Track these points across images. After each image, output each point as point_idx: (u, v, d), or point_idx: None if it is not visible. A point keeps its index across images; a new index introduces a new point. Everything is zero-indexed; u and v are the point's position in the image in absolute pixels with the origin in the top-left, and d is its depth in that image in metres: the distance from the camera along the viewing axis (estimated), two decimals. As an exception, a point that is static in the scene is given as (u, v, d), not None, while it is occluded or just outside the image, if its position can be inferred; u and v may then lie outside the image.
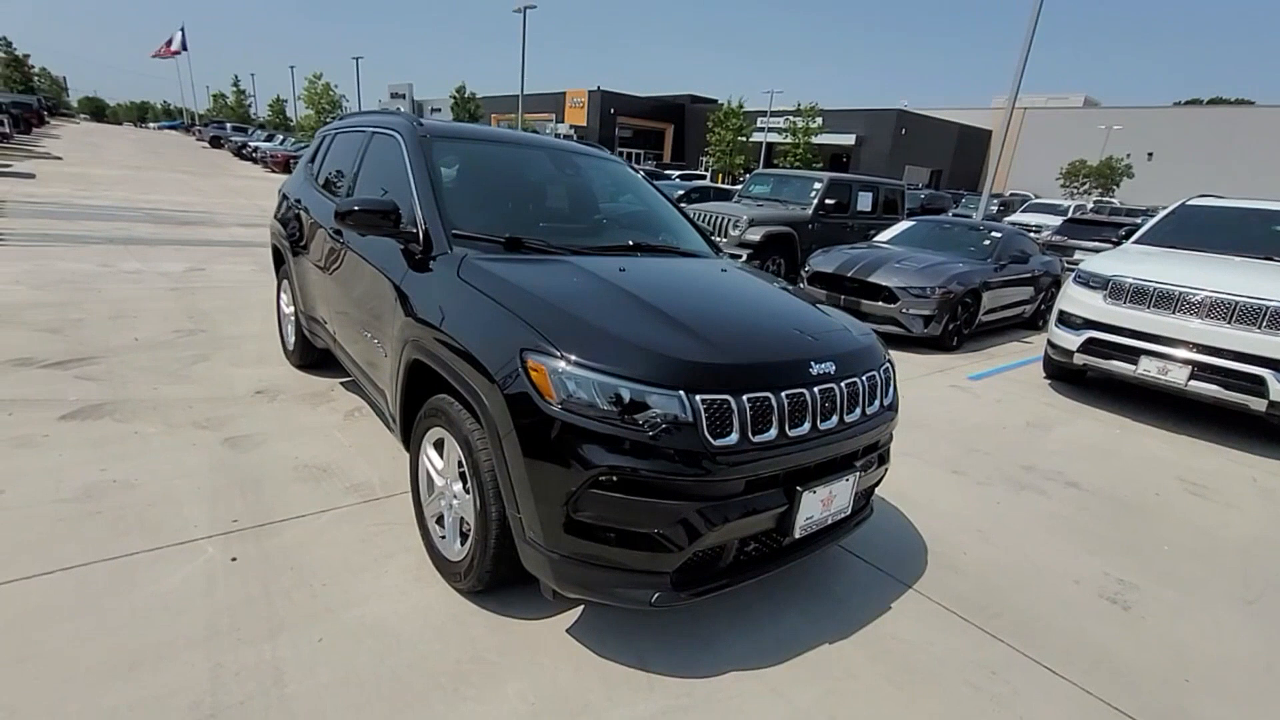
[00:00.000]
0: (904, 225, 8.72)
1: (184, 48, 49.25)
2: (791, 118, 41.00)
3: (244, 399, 3.92)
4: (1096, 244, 11.79)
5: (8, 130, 24.85)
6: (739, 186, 12.46)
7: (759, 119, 43.29)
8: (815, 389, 2.10)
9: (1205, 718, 2.15)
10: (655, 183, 3.96)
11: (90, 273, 6.63)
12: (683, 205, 6.20)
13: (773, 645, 2.27)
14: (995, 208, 22.85)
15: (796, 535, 2.14)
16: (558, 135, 13.12)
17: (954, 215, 16.98)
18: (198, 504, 2.76)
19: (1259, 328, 4.47)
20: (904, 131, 44.86)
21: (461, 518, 2.31)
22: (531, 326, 2.02)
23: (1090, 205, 27.56)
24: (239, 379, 4.23)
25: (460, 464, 2.24)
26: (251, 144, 31.69)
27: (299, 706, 1.82)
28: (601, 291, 2.32)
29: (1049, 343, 5.74)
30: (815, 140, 40.96)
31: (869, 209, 10.46)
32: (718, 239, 7.48)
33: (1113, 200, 38.08)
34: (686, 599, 1.99)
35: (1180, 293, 4.79)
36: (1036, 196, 30.18)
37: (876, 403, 2.36)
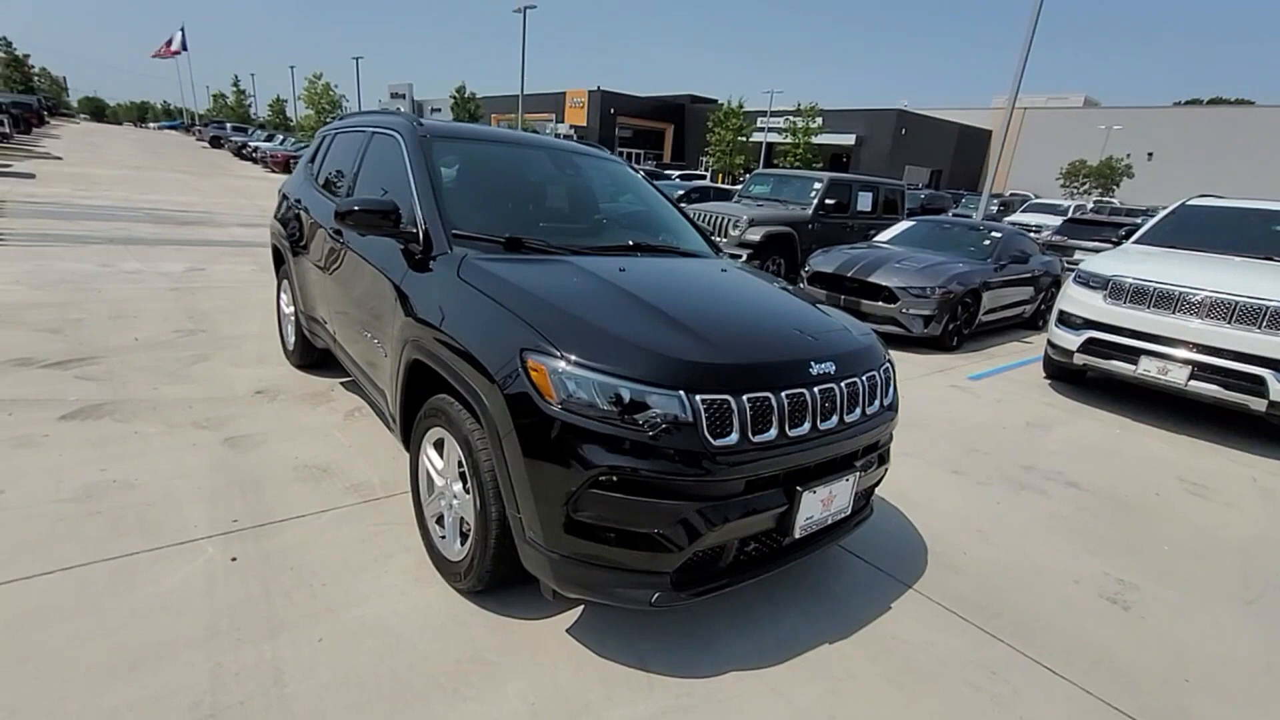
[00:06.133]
0: (904, 225, 8.72)
1: (184, 48, 49.25)
2: (791, 118, 41.00)
3: (244, 399, 3.92)
4: (1096, 244, 11.79)
5: (8, 130, 24.85)
6: (739, 186, 12.45)
7: (759, 119, 43.29)
8: (815, 389, 2.10)
9: (1205, 718, 2.15)
10: (655, 183, 3.96)
11: (90, 273, 6.63)
12: (683, 205, 6.20)
13: (773, 645, 2.28)
14: (995, 208, 22.84)
15: (796, 535, 2.14)
16: (558, 135, 13.12)
17: (954, 215, 16.98)
18: (198, 504, 2.76)
19: (1259, 328, 4.47)
20: (904, 131, 44.85)
21: (461, 518, 2.31)
22: (531, 326, 2.02)
23: (1090, 205, 27.55)
24: (239, 379, 4.23)
25: (460, 464, 2.24)
26: (251, 144, 31.69)
27: (299, 706, 1.82)
28: (601, 291, 2.32)
29: (1049, 343, 5.74)
30: (815, 140, 40.95)
31: (869, 209, 10.46)
32: (718, 239, 7.48)
33: (1113, 200, 38.08)
34: (686, 599, 1.99)
35: (1180, 293, 4.79)
36: (1036, 196, 30.16)
37: (876, 403, 2.36)
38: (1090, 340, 5.24)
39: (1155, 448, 4.68)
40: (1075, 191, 42.02)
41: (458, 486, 2.29)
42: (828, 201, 9.65)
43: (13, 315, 5.01)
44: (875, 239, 8.58)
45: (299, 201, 4.17)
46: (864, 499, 2.60)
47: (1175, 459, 4.48)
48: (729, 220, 8.76)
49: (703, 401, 1.89)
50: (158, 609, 2.13)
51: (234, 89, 74.10)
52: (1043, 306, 8.41)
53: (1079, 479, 3.97)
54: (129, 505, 2.70)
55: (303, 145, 24.65)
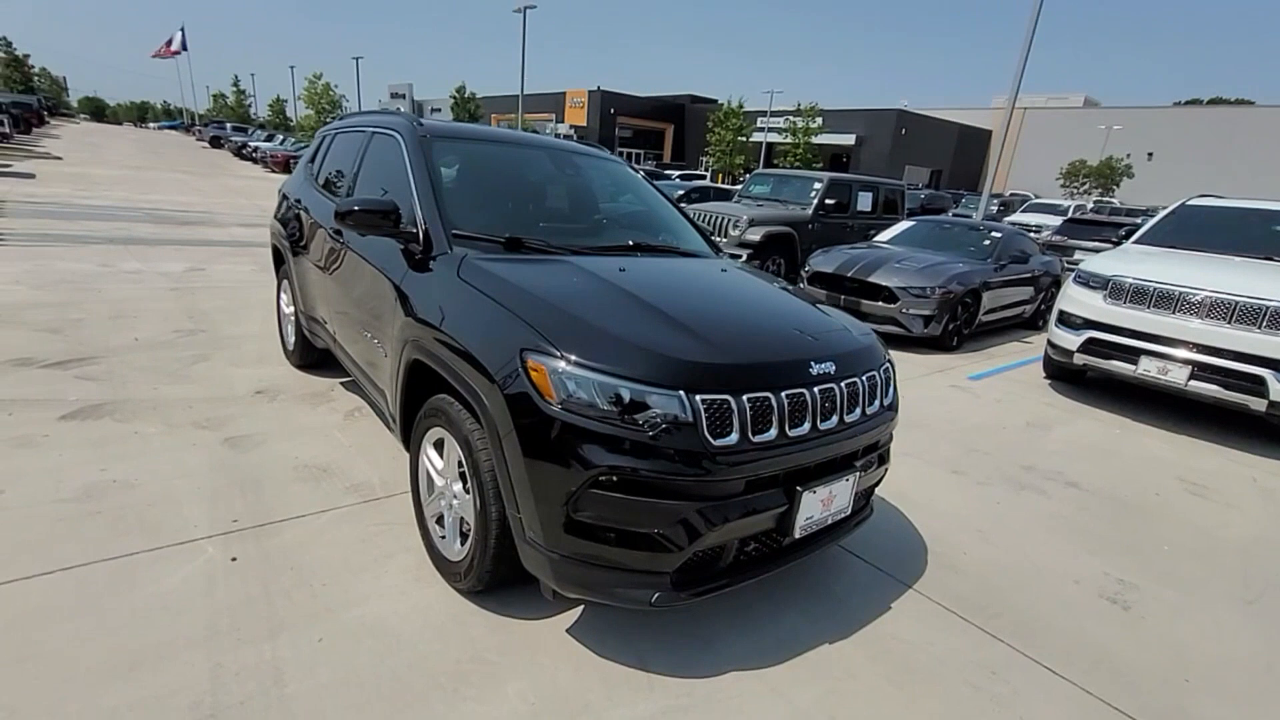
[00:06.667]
0: (904, 225, 8.72)
1: (184, 48, 49.25)
2: (791, 118, 41.00)
3: (244, 399, 3.92)
4: (1096, 244, 11.79)
5: (8, 130, 24.85)
6: (739, 186, 12.45)
7: (759, 119, 43.28)
8: (815, 389, 2.10)
9: (1205, 718, 2.15)
10: (655, 183, 3.96)
11: (90, 273, 6.63)
12: (683, 205, 6.20)
13: (773, 645, 2.28)
14: (995, 208, 22.84)
15: (796, 535, 2.14)
16: (558, 135, 13.12)
17: (954, 215, 16.98)
18: (198, 504, 2.76)
19: (1259, 328, 4.47)
20: (904, 131, 44.85)
21: (461, 518, 2.31)
22: (531, 326, 2.02)
23: (1090, 205, 27.55)
24: (239, 379, 4.23)
25: (460, 464, 2.24)
26: (251, 144, 31.69)
27: (299, 706, 1.82)
28: (601, 291, 2.32)
29: (1049, 343, 5.74)
30: (815, 140, 40.95)
31: (869, 209, 10.46)
32: (718, 239, 7.48)
33: (1113, 200, 38.08)
34: (686, 599, 1.99)
35: (1180, 293, 4.79)
36: (1036, 196, 30.16)
37: (876, 403, 2.36)
38: (1090, 340, 5.24)
39: (1155, 448, 4.68)
40: (1075, 191, 42.01)
41: (458, 486, 2.29)
42: (828, 201, 9.65)
43: (13, 315, 5.01)
44: (875, 239, 8.58)
45: (299, 201, 4.17)
46: (864, 499, 2.60)
47: (1175, 459, 4.48)
48: (729, 220, 8.76)
49: (703, 401, 1.89)
50: (158, 609, 2.13)
51: (234, 89, 74.10)
52: (1043, 306, 8.40)
53: (1079, 479, 3.97)
54: (129, 505, 2.70)
55: (303, 145, 24.65)
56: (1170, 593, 2.86)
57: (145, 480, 2.90)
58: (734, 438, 1.91)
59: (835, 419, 2.16)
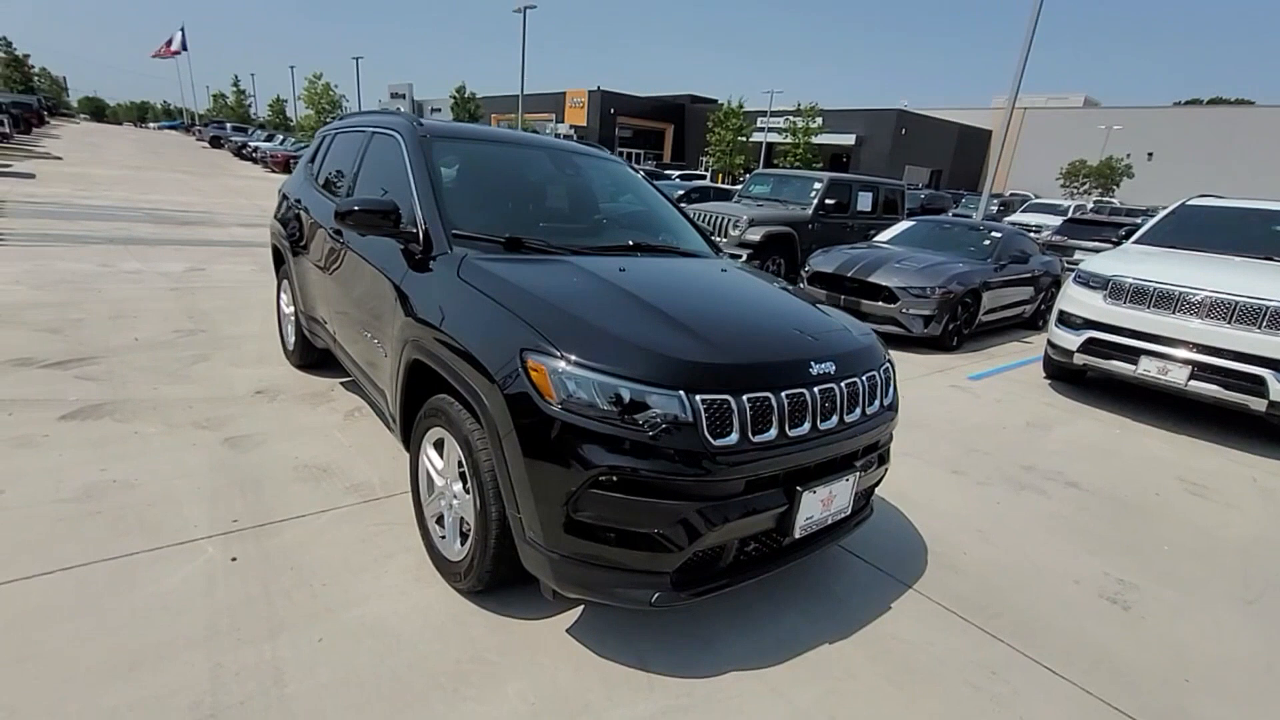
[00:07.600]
0: (904, 225, 8.72)
1: (184, 48, 49.28)
2: (791, 118, 41.01)
3: (244, 399, 3.92)
4: (1096, 244, 11.79)
5: (8, 130, 24.86)
6: (739, 186, 12.46)
7: (759, 119, 43.29)
8: (815, 389, 2.10)
9: (1205, 718, 2.15)
10: (655, 183, 3.96)
11: (90, 273, 6.63)
12: (683, 205, 6.20)
13: (773, 645, 2.28)
14: (995, 208, 22.84)
15: (796, 535, 2.14)
16: (558, 135, 13.12)
17: (954, 215, 16.97)
18: (198, 504, 2.76)
19: (1259, 328, 4.48)
20: (904, 131, 44.85)
21: (461, 518, 2.31)
22: (531, 326, 2.02)
23: (1090, 205, 27.55)
24: (239, 379, 4.23)
25: (460, 464, 2.24)
26: (251, 144, 31.70)
27: (299, 706, 1.82)
28: (601, 291, 2.32)
29: (1049, 343, 5.74)
30: (815, 140, 40.95)
31: (869, 209, 10.46)
32: (718, 239, 7.49)
33: (1113, 200, 38.09)
34: (686, 599, 1.99)
35: (1180, 293, 4.79)
36: (1036, 196, 30.16)
37: (876, 403, 2.36)
38: (1090, 340, 5.24)
39: (1155, 448, 4.68)
40: (1075, 191, 42.02)
41: (458, 486, 2.29)
42: (828, 201, 9.65)
43: (13, 315, 5.01)
44: (875, 239, 8.58)
45: (299, 201, 4.17)
46: (864, 499, 2.60)
47: (1175, 459, 4.48)
48: (729, 220, 8.76)
49: (703, 401, 1.89)
50: (158, 609, 2.13)
51: (234, 89, 74.10)
52: (1043, 306, 8.40)
53: (1079, 479, 3.97)
54: (129, 505, 2.70)
55: (303, 145, 24.65)
56: (1170, 593, 2.86)
57: (145, 480, 2.90)
58: (734, 438, 1.91)
59: (835, 419, 2.16)
